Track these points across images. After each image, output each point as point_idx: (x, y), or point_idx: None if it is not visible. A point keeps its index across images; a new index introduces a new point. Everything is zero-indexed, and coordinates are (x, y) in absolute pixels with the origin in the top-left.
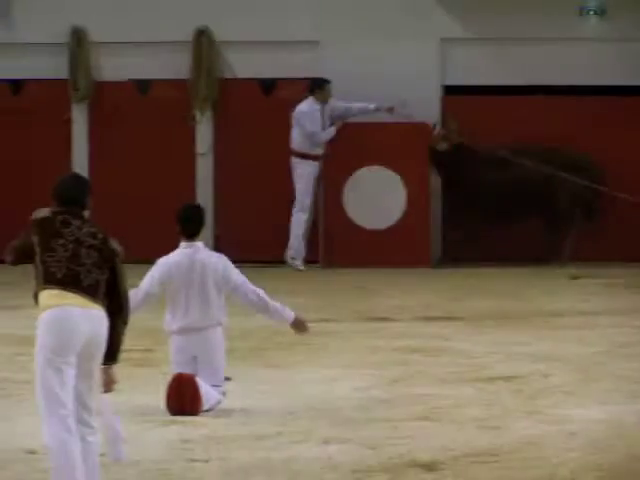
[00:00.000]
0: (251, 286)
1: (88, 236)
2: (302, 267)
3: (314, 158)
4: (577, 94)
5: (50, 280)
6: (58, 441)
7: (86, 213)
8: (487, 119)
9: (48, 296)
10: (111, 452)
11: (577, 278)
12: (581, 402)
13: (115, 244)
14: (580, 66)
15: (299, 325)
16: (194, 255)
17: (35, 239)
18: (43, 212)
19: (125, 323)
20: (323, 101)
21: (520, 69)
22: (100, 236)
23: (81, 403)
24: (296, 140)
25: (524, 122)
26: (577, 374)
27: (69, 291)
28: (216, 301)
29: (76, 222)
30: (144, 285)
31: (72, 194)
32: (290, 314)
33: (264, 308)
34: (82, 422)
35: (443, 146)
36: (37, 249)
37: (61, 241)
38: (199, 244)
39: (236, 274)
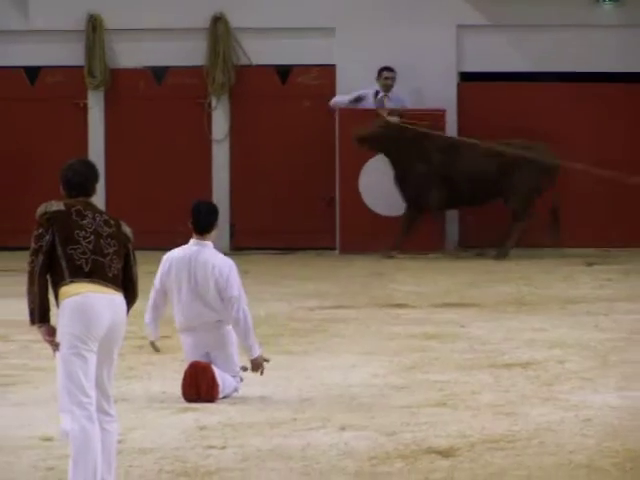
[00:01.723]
0: (244, 305)
1: (104, 225)
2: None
3: None
4: (592, 81)
5: (77, 274)
6: (80, 429)
7: (93, 199)
8: (503, 106)
9: (74, 287)
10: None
11: (594, 264)
12: (598, 388)
13: (127, 229)
14: (596, 53)
15: (256, 364)
16: (199, 253)
17: (53, 233)
18: (54, 205)
19: (131, 307)
20: (384, 88)
21: (536, 56)
22: (113, 222)
23: (101, 390)
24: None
25: (539, 109)
26: (594, 360)
27: (97, 284)
28: (218, 301)
29: (89, 213)
30: (154, 284)
31: (82, 181)
32: (257, 350)
33: (243, 331)
34: (101, 410)
35: (394, 119)
36: (57, 243)
37: (82, 233)
38: (208, 243)
39: (237, 286)
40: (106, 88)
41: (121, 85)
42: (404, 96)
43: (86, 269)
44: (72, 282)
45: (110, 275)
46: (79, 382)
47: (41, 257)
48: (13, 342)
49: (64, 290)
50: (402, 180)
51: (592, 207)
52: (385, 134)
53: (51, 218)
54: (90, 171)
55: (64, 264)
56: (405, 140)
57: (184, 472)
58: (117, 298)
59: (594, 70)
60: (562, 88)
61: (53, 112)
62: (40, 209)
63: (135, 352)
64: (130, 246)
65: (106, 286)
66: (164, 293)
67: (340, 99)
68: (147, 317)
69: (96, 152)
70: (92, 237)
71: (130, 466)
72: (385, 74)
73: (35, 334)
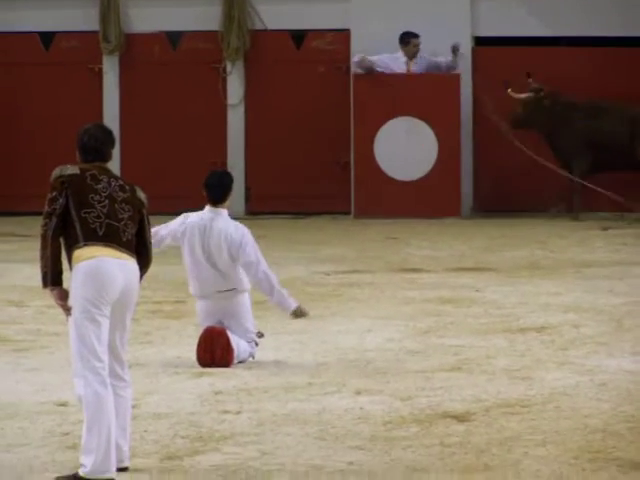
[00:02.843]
0: (263, 267)
1: (119, 190)
2: None
3: None
4: (610, 45)
5: (91, 237)
6: (93, 394)
7: (109, 165)
8: (518, 70)
9: (88, 251)
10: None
11: (609, 229)
12: (613, 353)
13: (142, 194)
14: (612, 17)
15: (299, 314)
16: (212, 221)
17: (67, 196)
18: (69, 169)
19: (145, 273)
20: (409, 55)
21: (551, 20)
22: (128, 188)
23: (114, 356)
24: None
25: (554, 74)
26: (608, 325)
27: (110, 247)
28: (231, 269)
29: (104, 177)
30: (162, 227)
31: (98, 146)
32: (292, 303)
33: (268, 291)
34: (115, 376)
35: (523, 95)
36: (71, 206)
37: (96, 197)
38: (223, 211)
39: (253, 250)
40: (121, 53)
41: (136, 50)
42: (427, 55)
43: (100, 233)
44: (86, 245)
45: (124, 240)
46: (92, 347)
47: (55, 220)
48: (28, 307)
49: (78, 254)
50: (555, 149)
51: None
52: (535, 109)
53: (65, 182)
54: (107, 136)
55: (78, 227)
56: (554, 109)
57: (199, 437)
58: (130, 263)
59: (610, 35)
60: (578, 52)
61: (68, 77)
62: (55, 172)
63: (149, 317)
64: (145, 211)
65: (120, 250)
66: (166, 238)
67: (373, 60)
68: None
69: (111, 117)
70: (106, 201)
71: (145, 431)
72: (414, 41)
73: (49, 299)
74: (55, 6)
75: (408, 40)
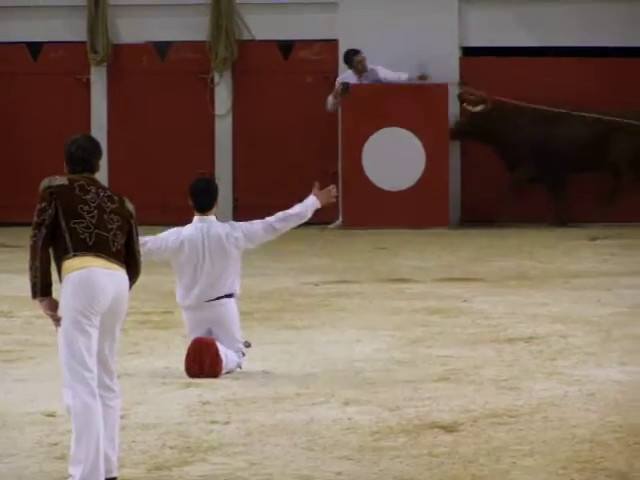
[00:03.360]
0: (258, 221)
1: (108, 201)
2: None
3: None
4: (597, 55)
5: (80, 247)
6: (82, 404)
7: (96, 176)
8: (506, 80)
9: (78, 261)
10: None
11: (597, 239)
12: (601, 363)
13: (130, 205)
14: (601, 27)
15: (324, 197)
16: (208, 230)
17: (56, 207)
18: (58, 180)
19: (134, 283)
20: (359, 72)
21: (539, 31)
22: (117, 198)
23: (103, 366)
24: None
25: (542, 84)
26: (597, 335)
27: (100, 257)
28: (228, 273)
29: (92, 188)
30: (151, 240)
31: (86, 157)
32: (311, 200)
33: (284, 221)
34: (103, 386)
35: (478, 108)
36: (60, 217)
37: (85, 207)
38: (212, 218)
39: (242, 225)
40: (109, 64)
41: (124, 60)
42: (377, 68)
43: (90, 243)
44: (75, 256)
45: (113, 250)
46: (81, 357)
47: (44, 231)
48: (17, 318)
49: (68, 264)
50: (502, 156)
51: (595, 181)
52: (479, 122)
53: (54, 192)
54: (94, 147)
55: (67, 238)
56: (499, 119)
57: (187, 447)
58: (120, 273)
59: (597, 45)
60: (565, 63)
61: (56, 88)
62: (43, 183)
63: (138, 328)
64: (133, 222)
65: (109, 260)
66: (154, 252)
67: (331, 100)
68: None
69: (99, 128)
70: (95, 212)
71: (133, 441)
72: (356, 58)
73: (38, 310)
74: (43, 17)
75: (351, 59)
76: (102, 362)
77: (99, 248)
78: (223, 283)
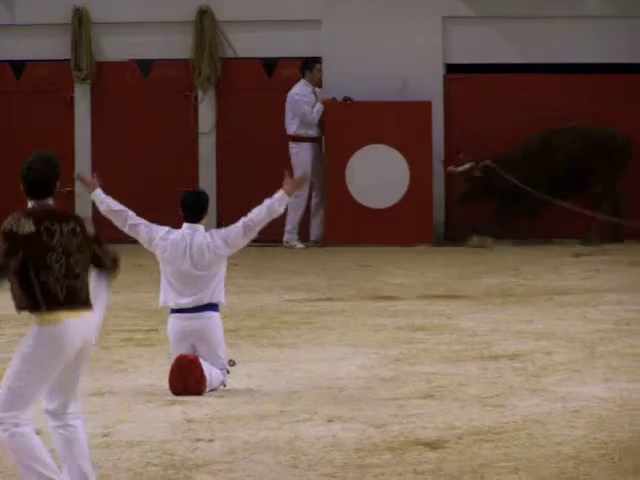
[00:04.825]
0: (233, 225)
1: (72, 237)
2: (301, 245)
3: (310, 140)
4: (580, 72)
5: (53, 303)
6: (20, 434)
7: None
8: (489, 97)
9: (52, 316)
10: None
11: (581, 255)
12: (585, 380)
13: (89, 227)
14: (584, 44)
15: (293, 185)
16: (192, 237)
17: (22, 258)
18: (25, 226)
19: (112, 278)
20: (314, 83)
21: (522, 48)
22: (78, 229)
23: (68, 390)
24: (290, 124)
25: (525, 101)
26: (581, 352)
27: (71, 309)
28: (209, 280)
29: (57, 226)
30: (144, 224)
31: (42, 182)
32: (279, 193)
33: (257, 216)
34: (65, 407)
35: (461, 168)
36: (29, 268)
37: (54, 256)
38: (200, 227)
39: (221, 231)
40: (92, 81)
41: (107, 78)
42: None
43: (61, 298)
44: (48, 311)
45: (82, 296)
46: (22, 400)
47: (6, 270)
48: (1, 336)
49: (40, 317)
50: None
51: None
52: (476, 183)
53: (20, 244)
54: (51, 169)
55: (38, 293)
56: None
57: (172, 465)
58: (89, 317)
59: (580, 62)
60: (548, 80)
61: (39, 106)
62: (6, 226)
63: (122, 345)
64: (95, 245)
65: (79, 309)
66: (137, 231)
67: (316, 115)
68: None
69: (83, 145)
70: (63, 259)
71: (118, 459)
72: (318, 66)
73: (21, 327)
74: (26, 35)
75: (313, 65)
76: (67, 387)
77: (70, 300)
78: (204, 292)
